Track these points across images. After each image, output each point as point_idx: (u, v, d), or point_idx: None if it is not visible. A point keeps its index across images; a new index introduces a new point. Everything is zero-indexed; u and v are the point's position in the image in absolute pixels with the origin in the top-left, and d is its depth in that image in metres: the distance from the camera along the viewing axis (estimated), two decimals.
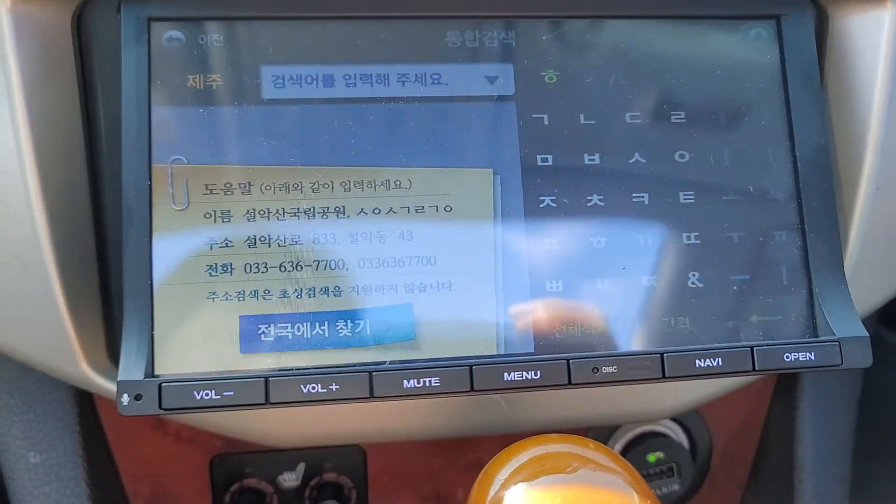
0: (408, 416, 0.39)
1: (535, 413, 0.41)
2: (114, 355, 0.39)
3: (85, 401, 0.45)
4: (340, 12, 0.38)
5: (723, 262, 0.39)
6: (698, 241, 0.39)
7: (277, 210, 0.36)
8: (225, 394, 0.33)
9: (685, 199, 0.39)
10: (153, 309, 0.35)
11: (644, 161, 0.39)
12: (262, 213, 0.36)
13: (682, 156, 0.39)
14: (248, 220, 0.36)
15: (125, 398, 0.33)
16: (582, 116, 0.39)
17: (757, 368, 0.36)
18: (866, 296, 0.44)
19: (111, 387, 0.38)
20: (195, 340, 0.35)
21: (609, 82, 0.39)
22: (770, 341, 0.37)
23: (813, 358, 0.37)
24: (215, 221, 0.36)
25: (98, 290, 0.39)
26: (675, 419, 0.54)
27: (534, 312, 0.37)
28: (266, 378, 0.34)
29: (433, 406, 0.39)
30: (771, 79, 0.40)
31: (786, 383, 0.53)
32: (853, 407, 0.54)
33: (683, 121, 0.40)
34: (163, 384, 0.33)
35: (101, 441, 0.46)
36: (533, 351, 0.37)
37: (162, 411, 0.33)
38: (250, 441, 0.39)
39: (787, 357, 0.36)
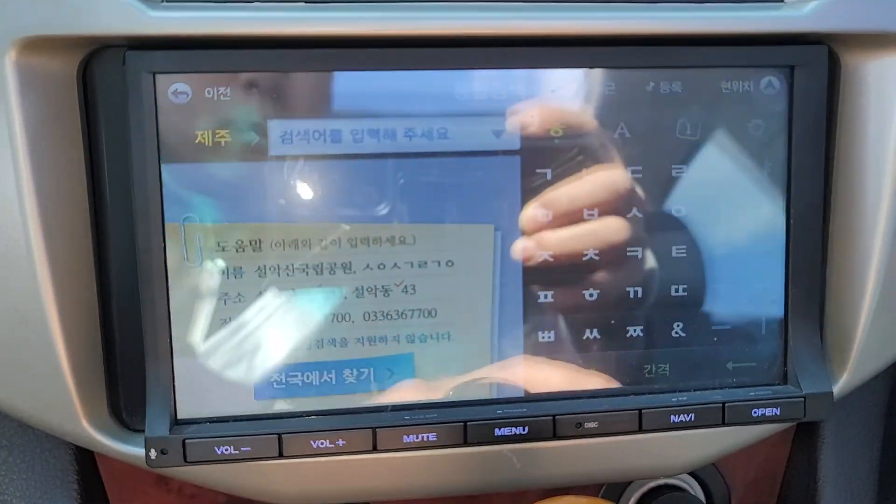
0: (417, 473, 0.40)
1: (548, 469, 0.41)
2: (115, 412, 0.40)
3: (85, 458, 0.45)
4: (347, 67, 0.37)
5: (708, 313, 0.41)
6: (685, 294, 0.41)
7: (287, 266, 0.38)
8: (242, 448, 0.37)
9: (677, 252, 0.41)
10: (173, 363, 0.37)
11: (640, 216, 0.40)
12: (272, 269, 0.38)
13: (678, 210, 0.41)
14: (259, 276, 0.38)
15: (153, 453, 0.36)
16: (585, 171, 0.40)
17: (726, 422, 0.40)
18: (885, 346, 0.43)
19: (113, 445, 0.39)
20: (213, 388, 0.38)
21: (614, 136, 0.40)
22: (740, 395, 0.40)
23: (778, 413, 0.40)
24: (228, 277, 0.38)
25: (100, 346, 0.39)
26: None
27: (524, 365, 0.40)
28: (280, 434, 0.37)
29: (443, 462, 0.40)
30: (776, 132, 0.41)
31: (806, 429, 0.52)
32: (877, 448, 0.53)
33: (683, 174, 0.40)
34: (186, 440, 0.36)
35: (102, 499, 0.47)
36: (523, 396, 0.40)
37: (187, 464, 0.36)
38: (257, 500, 0.41)
39: (755, 412, 0.40)
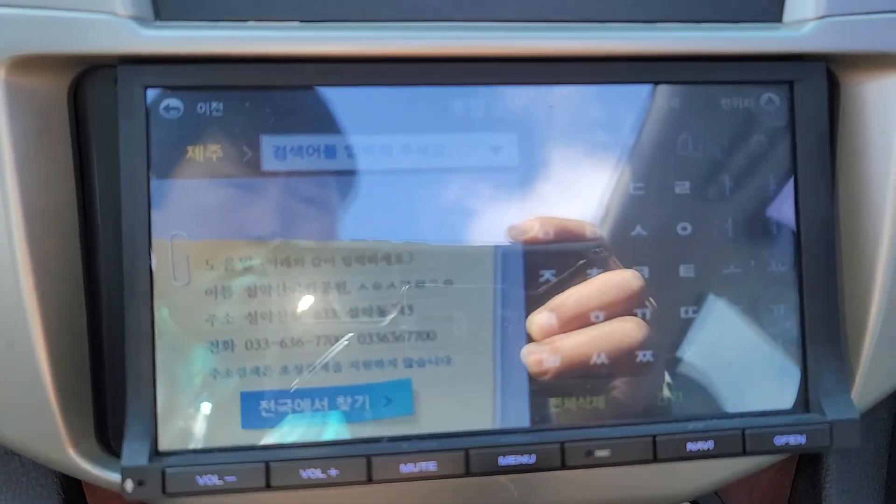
0: (412, 501, 0.39)
1: (547, 497, 0.40)
2: (103, 440, 0.38)
3: (72, 486, 0.44)
4: (343, 82, 0.37)
5: (721, 336, 0.39)
6: (695, 315, 0.39)
7: (278, 286, 0.36)
8: (226, 479, 0.34)
9: (685, 273, 0.39)
10: (155, 388, 0.35)
11: (645, 233, 0.39)
12: (263, 289, 0.36)
13: (684, 228, 0.39)
14: (250, 295, 0.36)
15: (129, 484, 0.33)
16: (584, 188, 0.38)
17: (747, 451, 0.37)
18: (888, 374, 0.42)
19: (100, 474, 0.37)
20: (197, 416, 0.36)
21: (615, 153, 0.39)
22: (761, 423, 0.38)
23: (804, 442, 0.37)
24: (216, 297, 0.36)
25: (88, 372, 0.38)
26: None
27: (530, 389, 0.38)
28: (267, 463, 0.34)
29: (438, 490, 0.39)
30: (779, 148, 0.40)
31: (810, 457, 0.50)
32: (881, 477, 0.51)
33: (688, 191, 0.39)
34: (166, 469, 0.34)
35: None
36: (528, 426, 0.38)
37: (166, 496, 0.34)
38: None
39: (777, 440, 0.37)
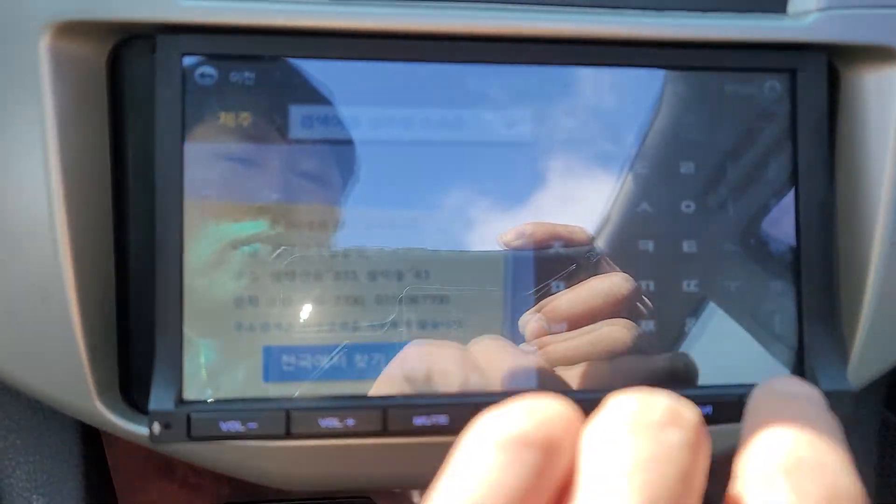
0: (420, 463, 0.40)
1: None
2: (126, 394, 0.40)
3: (92, 444, 0.45)
4: (368, 56, 0.39)
5: (720, 323, 0.41)
6: (698, 290, 0.41)
7: (302, 247, 0.38)
8: (248, 425, 0.36)
9: (688, 248, 0.41)
10: (182, 340, 0.37)
11: (651, 210, 0.41)
12: (287, 249, 0.38)
13: (688, 206, 0.41)
14: (274, 256, 0.38)
15: (156, 426, 0.35)
16: (595, 165, 0.40)
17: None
18: (878, 356, 0.44)
19: (123, 425, 0.39)
20: (221, 369, 0.38)
21: (619, 132, 0.41)
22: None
23: None
24: (242, 256, 0.38)
25: (115, 329, 0.40)
26: None
27: (538, 354, 0.39)
28: (287, 411, 0.36)
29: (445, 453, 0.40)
30: (781, 132, 0.42)
31: None
32: (872, 463, 0.53)
33: (693, 171, 0.41)
34: (191, 414, 0.36)
35: (107, 487, 0.47)
36: (535, 387, 0.39)
37: (191, 440, 0.35)
38: (261, 483, 0.40)
39: None
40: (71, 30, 0.37)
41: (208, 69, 0.38)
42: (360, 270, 0.39)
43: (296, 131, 0.39)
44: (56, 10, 0.37)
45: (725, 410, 0.39)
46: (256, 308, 0.38)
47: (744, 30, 0.41)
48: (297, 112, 0.39)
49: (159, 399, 0.36)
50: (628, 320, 0.40)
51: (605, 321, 0.40)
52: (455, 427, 0.37)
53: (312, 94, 0.39)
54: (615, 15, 0.40)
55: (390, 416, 0.37)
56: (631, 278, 0.40)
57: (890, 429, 0.52)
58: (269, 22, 0.37)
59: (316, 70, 0.39)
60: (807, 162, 0.41)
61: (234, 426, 0.36)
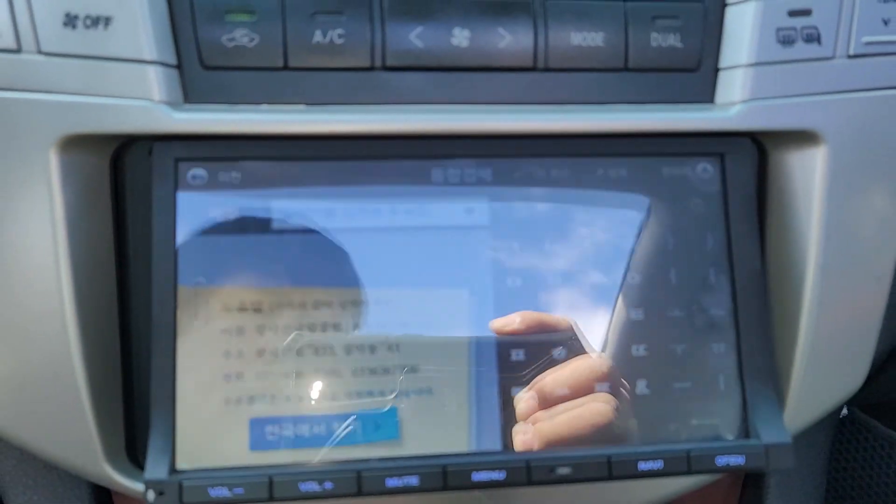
0: None
1: None
2: (132, 456, 0.45)
3: (101, 495, 0.50)
4: (340, 156, 0.44)
5: (668, 371, 0.45)
6: (646, 353, 0.45)
7: (284, 325, 0.43)
8: (235, 490, 0.39)
9: (635, 316, 0.45)
10: (175, 414, 0.41)
11: (603, 281, 0.45)
12: (270, 328, 0.42)
13: (633, 277, 0.45)
14: (259, 334, 0.42)
15: (150, 494, 0.39)
16: (547, 244, 0.45)
17: (692, 470, 0.42)
18: (814, 403, 0.49)
19: (129, 484, 0.43)
20: (211, 439, 0.41)
21: (569, 214, 0.45)
22: (705, 445, 0.43)
23: (742, 462, 0.42)
24: (230, 335, 0.42)
25: (121, 399, 0.45)
26: None
27: (501, 417, 0.43)
28: (270, 477, 0.40)
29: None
30: (715, 209, 0.46)
31: (754, 479, 0.56)
32: (820, 498, 0.57)
33: (634, 245, 0.46)
34: (182, 482, 0.39)
35: None
36: (500, 449, 0.43)
37: None
38: None
39: (719, 461, 0.42)
40: (76, 142, 0.42)
41: (199, 171, 0.43)
42: (336, 345, 0.43)
43: (279, 223, 0.43)
44: (63, 124, 0.42)
45: (675, 464, 0.42)
46: (243, 383, 0.42)
47: (676, 121, 0.46)
48: (278, 206, 0.43)
49: (154, 468, 0.39)
50: (608, 395, 0.44)
51: (591, 396, 0.44)
52: (425, 486, 0.41)
53: (292, 190, 0.44)
54: (562, 112, 0.45)
55: (364, 478, 0.40)
56: (606, 357, 0.44)
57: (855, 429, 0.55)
58: (251, 129, 0.43)
59: (295, 169, 0.44)
60: (738, 235, 0.46)
61: (222, 492, 0.39)
